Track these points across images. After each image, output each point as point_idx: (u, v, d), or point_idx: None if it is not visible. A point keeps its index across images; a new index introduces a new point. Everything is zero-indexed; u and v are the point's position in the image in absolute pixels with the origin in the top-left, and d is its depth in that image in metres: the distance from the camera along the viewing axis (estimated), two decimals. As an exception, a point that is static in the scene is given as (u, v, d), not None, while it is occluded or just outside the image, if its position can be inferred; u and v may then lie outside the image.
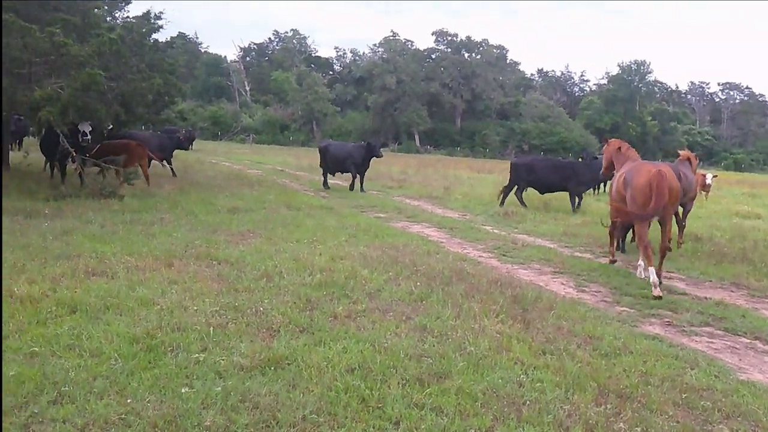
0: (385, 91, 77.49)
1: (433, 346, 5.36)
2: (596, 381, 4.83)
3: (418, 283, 7.36)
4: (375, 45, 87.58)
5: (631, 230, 10.59)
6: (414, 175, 27.22)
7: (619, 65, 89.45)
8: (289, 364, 4.83)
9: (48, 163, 16.77)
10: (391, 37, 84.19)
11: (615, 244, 10.08)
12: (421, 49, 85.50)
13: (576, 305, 7.06)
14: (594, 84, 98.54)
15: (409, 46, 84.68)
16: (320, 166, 20.33)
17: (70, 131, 14.04)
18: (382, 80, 77.52)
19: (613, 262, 9.76)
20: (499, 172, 34.51)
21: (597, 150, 63.99)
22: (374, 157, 19.45)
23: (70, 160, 14.63)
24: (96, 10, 13.92)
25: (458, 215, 14.89)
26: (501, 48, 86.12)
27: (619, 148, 9.82)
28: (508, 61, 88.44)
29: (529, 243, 11.29)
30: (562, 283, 8.38)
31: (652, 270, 7.97)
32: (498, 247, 10.81)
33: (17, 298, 5.88)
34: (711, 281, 9.00)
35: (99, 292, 6.27)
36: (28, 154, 16.50)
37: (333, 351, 5.10)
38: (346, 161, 19.30)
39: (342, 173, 20.23)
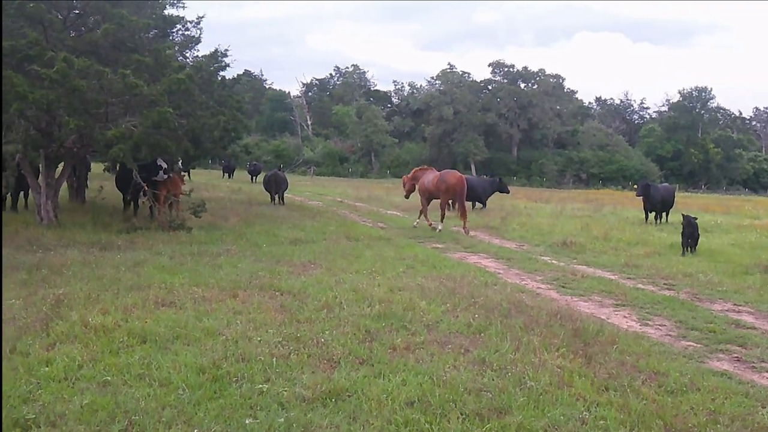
0: (442, 122, 77.75)
1: (493, 380, 5.27)
2: (662, 419, 4.65)
3: (477, 315, 7.28)
4: (432, 78, 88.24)
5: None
6: (470, 206, 27.04)
7: (679, 92, 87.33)
8: (349, 396, 4.84)
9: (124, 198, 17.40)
10: (448, 70, 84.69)
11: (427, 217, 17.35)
12: (478, 80, 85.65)
13: (639, 339, 6.83)
14: (654, 111, 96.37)
15: (466, 78, 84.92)
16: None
17: (147, 166, 14.58)
18: (439, 111, 77.85)
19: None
20: (557, 201, 34.00)
21: (658, 179, 62.36)
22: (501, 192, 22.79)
23: (141, 194, 15.20)
24: (167, 51, 14.47)
25: (515, 246, 14.69)
26: (558, 77, 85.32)
27: (417, 170, 18.36)
28: (565, 90, 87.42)
29: (589, 274, 11.02)
30: (625, 317, 8.13)
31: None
32: (557, 278, 10.60)
33: (91, 328, 6.10)
34: (782, 315, 8.57)
35: (168, 322, 6.45)
36: (102, 188, 17.23)
37: (392, 383, 5.08)
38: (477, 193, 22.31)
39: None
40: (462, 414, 4.59)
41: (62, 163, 15.04)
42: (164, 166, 14.76)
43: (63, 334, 5.93)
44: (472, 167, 77.67)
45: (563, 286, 9.94)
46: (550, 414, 4.64)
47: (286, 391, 4.86)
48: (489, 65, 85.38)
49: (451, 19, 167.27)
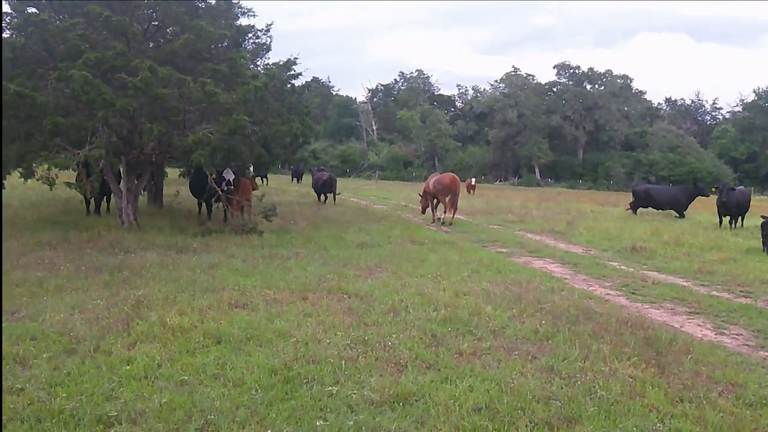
0: (506, 125, 76.85)
1: (561, 388, 5.14)
2: (741, 433, 4.42)
3: (543, 322, 7.12)
4: (496, 81, 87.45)
5: None
6: (535, 209, 26.55)
7: (754, 91, 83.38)
8: (417, 401, 4.82)
9: (199, 202, 17.89)
10: (512, 73, 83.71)
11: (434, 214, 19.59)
12: (543, 82, 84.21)
13: (715, 349, 6.53)
14: (727, 112, 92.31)
15: (530, 80, 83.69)
16: (630, 206, 23.75)
17: (218, 178, 14.97)
18: (503, 115, 77.01)
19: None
20: (626, 204, 33.00)
21: (732, 181, 59.55)
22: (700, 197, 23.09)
23: (214, 199, 15.62)
24: (242, 59, 14.83)
25: (582, 250, 14.32)
26: (625, 78, 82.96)
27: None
28: (633, 91, 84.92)
29: (661, 281, 10.62)
30: (699, 325, 7.79)
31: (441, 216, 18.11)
32: (626, 284, 10.26)
33: (169, 328, 6.29)
34: None
35: (241, 323, 6.58)
36: (178, 193, 17.80)
37: (459, 389, 5.03)
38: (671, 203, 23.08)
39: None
40: (531, 422, 4.50)
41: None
42: (228, 178, 15.11)
43: (143, 333, 6.13)
44: (537, 170, 76.44)
45: (633, 293, 9.61)
46: (621, 425, 4.49)
47: (354, 393, 4.87)
48: (554, 67, 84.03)
49: (507, 23, 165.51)
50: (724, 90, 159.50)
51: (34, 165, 13.53)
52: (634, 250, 13.89)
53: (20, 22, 14.31)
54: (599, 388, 5.12)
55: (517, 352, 6.06)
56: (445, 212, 19.08)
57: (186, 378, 5.07)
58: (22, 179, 13.61)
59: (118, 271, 9.16)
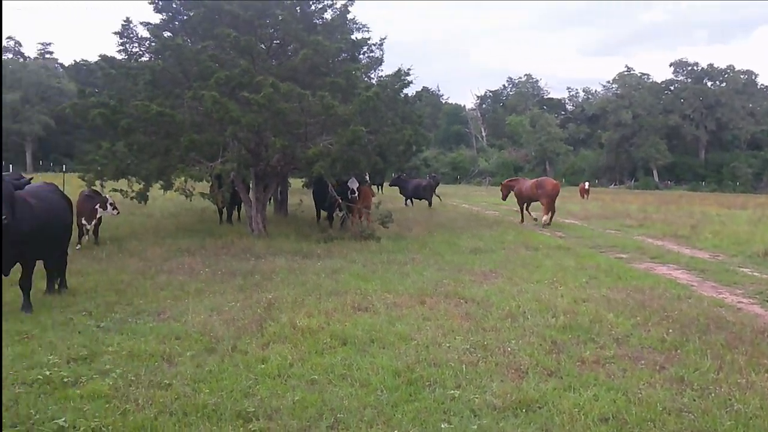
0: (620, 126, 73.37)
1: (694, 400, 4.84)
2: None
3: (671, 330, 6.74)
4: (608, 82, 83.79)
5: None
6: (655, 213, 25.16)
7: None
8: (540, 408, 4.71)
9: (318, 211, 18.35)
10: (626, 73, 79.89)
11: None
12: (658, 81, 79.74)
13: None
14: None
15: (645, 79, 79.48)
16: None
17: (339, 187, 15.36)
18: (617, 116, 73.57)
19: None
20: (755, 207, 30.54)
21: None
22: None
23: (337, 207, 16.04)
24: (356, 72, 15.17)
25: (709, 256, 13.38)
26: (749, 73, 76.93)
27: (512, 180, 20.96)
28: (758, 87, 78.50)
29: (799, 288, 9.72)
30: None
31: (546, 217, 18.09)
32: (760, 291, 9.46)
33: (299, 330, 6.53)
34: None
35: (364, 326, 6.72)
36: (302, 202, 18.47)
37: (584, 398, 4.86)
38: None
39: None
40: (662, 434, 4.27)
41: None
42: (352, 187, 15.44)
43: (275, 334, 6.40)
44: (654, 173, 72.42)
45: (768, 301, 8.87)
46: (763, 441, 4.16)
47: (477, 398, 4.84)
48: (670, 65, 79.53)
49: (616, 23, 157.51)
50: None
51: (173, 177, 14.50)
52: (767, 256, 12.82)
53: (158, 46, 15.43)
54: (735, 401, 4.78)
55: (643, 362, 5.77)
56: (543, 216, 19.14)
57: (316, 377, 5.24)
58: (162, 191, 14.61)
59: (251, 275, 9.64)
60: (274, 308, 7.45)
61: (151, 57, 16.29)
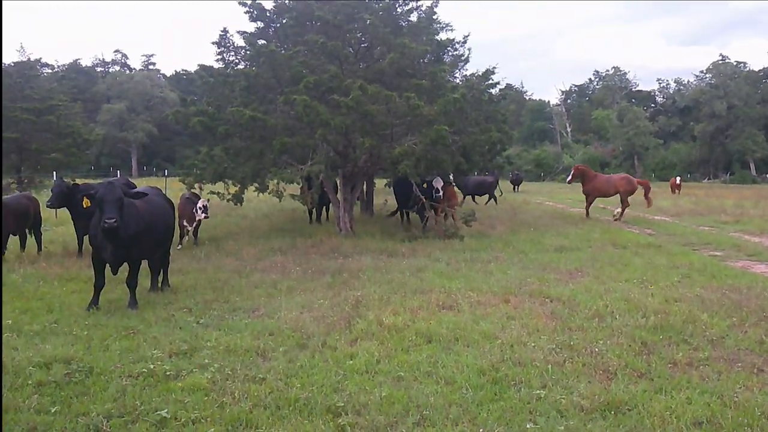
0: (714, 118, 69.06)
1: (797, 406, 4.53)
2: None
3: (770, 332, 6.32)
4: (702, 72, 79.06)
5: None
6: (752, 208, 23.57)
7: None
8: (629, 410, 4.55)
9: (399, 210, 18.38)
10: (720, 62, 75.13)
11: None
12: (756, 70, 74.46)
13: None
14: None
15: (741, 68, 74.43)
16: None
17: (424, 187, 15.37)
18: (711, 107, 69.30)
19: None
20: None
21: None
22: None
23: (422, 206, 16.03)
24: (442, 72, 15.11)
25: (815, 253, 12.42)
26: None
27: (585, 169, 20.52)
28: None
29: None
30: None
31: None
32: None
33: (385, 327, 6.59)
34: None
35: (449, 324, 6.71)
36: (387, 202, 18.60)
37: (676, 401, 4.66)
38: None
39: None
40: (761, 441, 4.03)
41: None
42: (437, 186, 15.40)
43: (362, 331, 6.51)
44: (752, 166, 67.81)
45: None
46: None
47: (563, 398, 4.73)
48: (769, 53, 73.79)
49: (706, 11, 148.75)
50: None
51: (266, 180, 14.96)
52: None
53: (253, 53, 15.95)
54: None
55: (740, 364, 5.46)
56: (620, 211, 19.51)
57: (402, 374, 5.29)
58: (257, 193, 15.14)
59: (339, 273, 9.84)
60: (362, 306, 7.57)
61: (247, 64, 16.90)
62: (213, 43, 17.68)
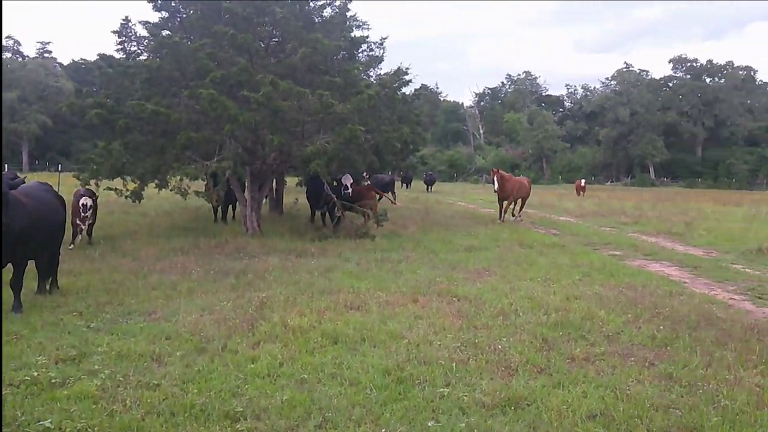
0: (618, 123, 73.38)
1: (682, 396, 4.86)
2: None
3: (661, 327, 6.76)
4: (607, 79, 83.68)
5: None
6: (650, 210, 25.19)
7: None
8: (528, 405, 4.72)
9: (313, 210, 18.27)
10: (624, 69, 79.85)
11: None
12: (657, 78, 79.70)
13: None
14: None
15: (644, 76, 79.43)
16: None
17: (334, 185, 15.32)
18: (615, 113, 73.59)
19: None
20: (750, 204, 30.60)
21: None
22: None
23: (332, 205, 16.00)
24: (355, 70, 15.11)
25: (703, 253, 13.42)
26: (748, 69, 76.90)
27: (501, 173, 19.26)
28: (757, 83, 78.48)
29: (791, 284, 9.76)
30: (836, 332, 7.08)
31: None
32: (752, 288, 9.51)
33: (290, 329, 6.51)
34: None
35: (356, 324, 6.72)
36: (297, 200, 18.42)
37: (572, 395, 4.87)
38: None
39: None
40: (648, 431, 4.28)
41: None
42: (346, 183, 15.40)
43: (266, 333, 6.39)
44: (651, 170, 72.48)
45: (760, 297, 8.90)
46: (749, 438, 4.18)
47: (466, 396, 4.85)
48: (669, 61, 79.41)
49: (612, 20, 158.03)
50: None
51: (168, 176, 14.45)
52: (761, 252, 12.88)
53: (156, 45, 15.37)
54: (723, 397, 4.80)
55: (633, 359, 5.79)
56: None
57: (306, 376, 5.24)
58: (157, 189, 14.60)
59: (243, 274, 9.63)
60: (266, 307, 7.45)
61: (150, 56, 16.25)
62: (113, 32, 16.82)
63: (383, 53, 22.25)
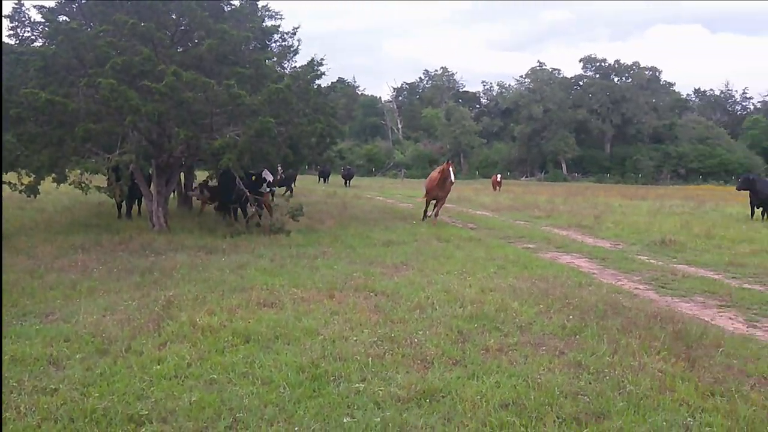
0: (532, 120, 76.18)
1: (590, 383, 5.08)
2: (774, 428, 4.32)
3: (571, 317, 7.04)
4: (521, 76, 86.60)
5: None
6: (562, 204, 26.30)
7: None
8: (443, 397, 4.80)
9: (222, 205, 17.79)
10: (538, 68, 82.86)
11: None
12: (569, 76, 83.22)
13: (747, 342, 6.40)
14: (759, 101, 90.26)
15: (556, 75, 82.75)
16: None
17: (253, 180, 15.00)
18: (529, 110, 76.33)
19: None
20: (654, 198, 32.49)
21: (764, 172, 58.21)
22: None
23: (244, 200, 15.68)
24: (267, 61, 14.86)
25: (610, 245, 14.13)
26: (653, 69, 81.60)
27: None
28: (661, 83, 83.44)
29: (691, 274, 10.44)
30: (730, 318, 7.64)
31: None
32: (655, 278, 10.10)
33: (199, 328, 6.32)
34: None
35: (269, 322, 6.61)
36: (195, 188, 17.91)
37: (486, 385, 5.00)
38: None
39: None
40: (558, 418, 4.45)
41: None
42: (269, 179, 15.15)
43: (173, 333, 6.19)
44: (563, 165, 75.64)
45: (663, 287, 9.46)
46: (651, 420, 4.42)
47: (381, 390, 4.87)
48: (579, 61, 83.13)
49: (521, 20, 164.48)
50: (756, 79, 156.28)
51: (67, 170, 13.75)
52: (664, 244, 13.69)
53: (51, 31, 14.55)
54: (628, 382, 5.05)
55: (544, 348, 6.01)
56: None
57: (215, 377, 5.11)
58: (55, 184, 13.86)
59: (149, 272, 9.28)
60: (174, 306, 7.20)
61: (45, 42, 15.38)
62: (5, 16, 15.78)
63: (298, 45, 22.10)
